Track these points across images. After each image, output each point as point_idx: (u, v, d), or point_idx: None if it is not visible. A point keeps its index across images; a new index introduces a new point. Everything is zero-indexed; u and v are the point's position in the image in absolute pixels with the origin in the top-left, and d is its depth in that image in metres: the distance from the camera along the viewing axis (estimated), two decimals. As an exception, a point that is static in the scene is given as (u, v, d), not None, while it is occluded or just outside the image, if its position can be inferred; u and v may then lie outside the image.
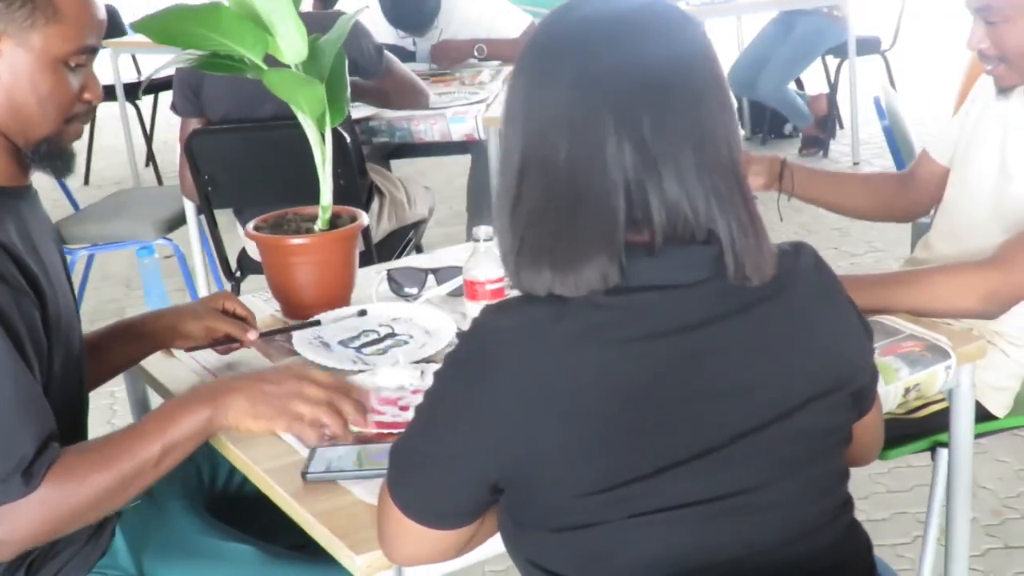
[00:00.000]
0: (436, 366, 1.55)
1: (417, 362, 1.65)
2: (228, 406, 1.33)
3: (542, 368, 1.01)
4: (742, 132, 5.16)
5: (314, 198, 2.93)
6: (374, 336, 1.70)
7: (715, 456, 1.02)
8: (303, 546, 1.59)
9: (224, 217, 3.03)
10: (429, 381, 1.49)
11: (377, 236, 3.08)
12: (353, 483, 1.35)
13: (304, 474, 1.36)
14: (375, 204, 3.07)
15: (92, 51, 1.33)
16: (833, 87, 5.36)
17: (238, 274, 3.04)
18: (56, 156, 1.34)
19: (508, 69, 3.57)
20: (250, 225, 1.89)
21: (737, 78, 5.33)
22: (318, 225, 1.86)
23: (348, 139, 2.92)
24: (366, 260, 2.96)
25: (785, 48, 5.17)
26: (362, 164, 2.93)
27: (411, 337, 1.69)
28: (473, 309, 1.74)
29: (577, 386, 1.01)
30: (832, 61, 5.41)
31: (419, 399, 1.46)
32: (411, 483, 1.12)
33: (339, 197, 2.90)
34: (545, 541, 1.09)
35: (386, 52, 3.03)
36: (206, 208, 2.95)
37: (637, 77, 0.99)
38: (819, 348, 1.06)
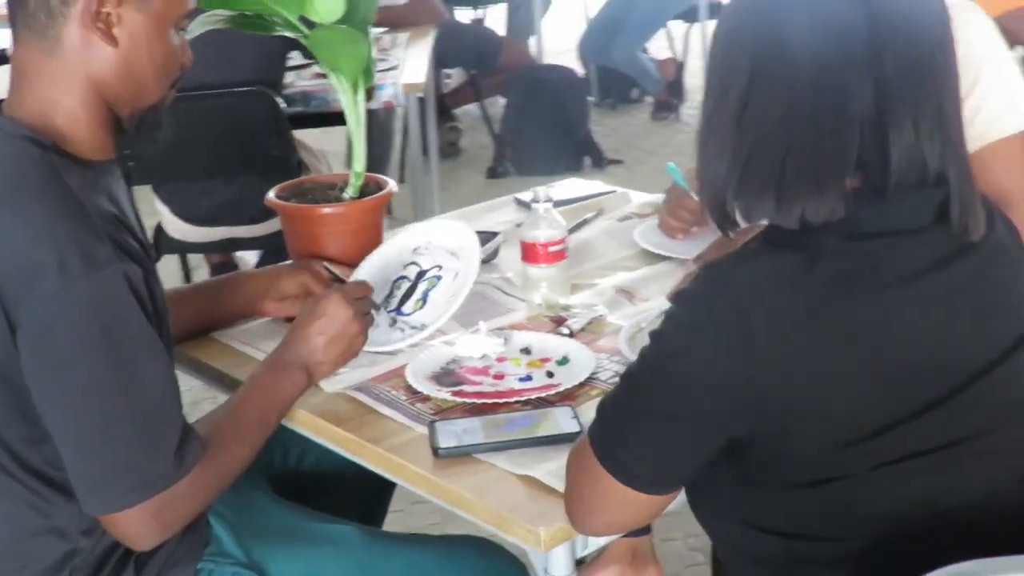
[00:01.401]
0: (522, 333, 1.60)
1: (498, 329, 1.63)
2: (318, 363, 1.38)
3: (800, 319, 1.01)
4: (591, 99, 5.24)
5: (241, 170, 2.83)
6: (406, 284, 1.66)
7: (954, 401, 1.04)
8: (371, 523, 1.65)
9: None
10: (514, 347, 1.54)
11: (305, 210, 2.97)
12: (491, 455, 1.32)
13: (437, 450, 1.33)
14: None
15: (192, 13, 1.34)
16: (683, 51, 5.53)
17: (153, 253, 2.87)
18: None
19: (403, 35, 3.54)
20: (271, 195, 1.79)
21: (591, 46, 5.42)
22: (349, 192, 1.77)
23: (283, 106, 2.81)
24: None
25: (635, 14, 5.29)
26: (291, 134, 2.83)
27: (440, 268, 1.67)
28: (535, 272, 1.72)
29: (832, 337, 1.01)
30: (678, 25, 5.58)
31: (508, 367, 1.52)
32: (638, 447, 1.09)
33: (272, 169, 2.83)
34: (775, 499, 1.09)
35: None
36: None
37: (884, 17, 0.99)
38: (1020, 292, 1.10)
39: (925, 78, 1.01)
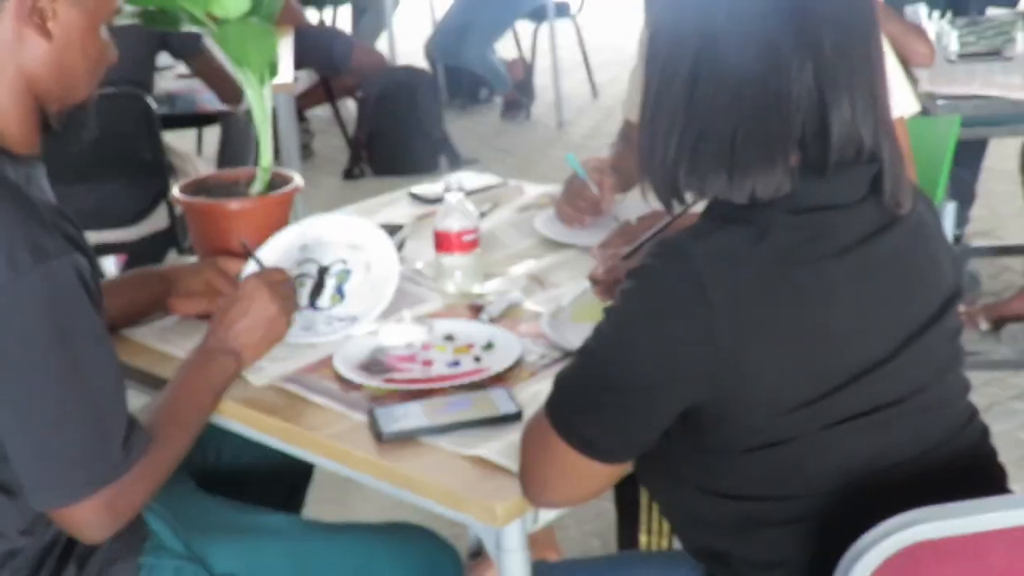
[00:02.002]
0: (443, 320, 1.63)
1: (420, 317, 1.65)
2: (243, 346, 1.40)
3: (751, 289, 1.06)
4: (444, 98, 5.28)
5: (110, 173, 2.75)
6: (310, 280, 1.67)
7: (891, 363, 1.10)
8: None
9: None
10: (437, 334, 1.57)
11: (178, 212, 2.91)
12: (435, 438, 1.34)
13: (380, 435, 1.34)
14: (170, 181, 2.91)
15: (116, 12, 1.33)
16: (531, 50, 5.62)
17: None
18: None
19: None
20: (175, 191, 1.77)
21: (440, 46, 5.45)
22: (256, 187, 1.76)
23: (154, 107, 2.75)
24: (171, 239, 2.82)
25: (485, 14, 5.35)
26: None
27: (344, 262, 1.69)
28: (449, 261, 1.74)
29: (783, 306, 1.06)
30: (526, 25, 5.68)
31: (435, 354, 1.55)
32: (597, 418, 1.13)
33: (142, 172, 2.77)
34: (729, 464, 1.14)
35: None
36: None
37: (820, 5, 1.06)
38: (942, 260, 1.17)
39: (859, 62, 1.07)
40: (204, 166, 3.20)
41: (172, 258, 3.08)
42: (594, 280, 1.54)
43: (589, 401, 1.13)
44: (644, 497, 1.87)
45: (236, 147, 3.54)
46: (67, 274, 1.15)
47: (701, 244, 1.09)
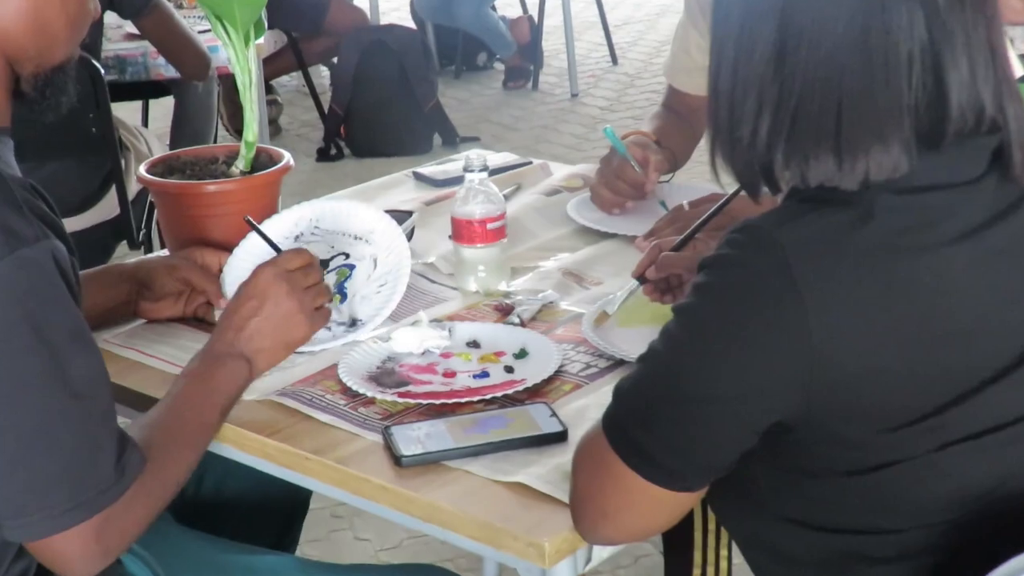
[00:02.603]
0: (465, 324, 1.64)
1: (438, 320, 1.66)
2: (257, 350, 1.40)
3: (852, 282, 1.05)
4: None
5: (53, 152, 2.74)
6: None
7: (1020, 369, 1.08)
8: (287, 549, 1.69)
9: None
10: (459, 341, 1.58)
11: (129, 196, 2.92)
12: (465, 462, 1.35)
13: (400, 458, 1.35)
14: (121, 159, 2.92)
15: None
16: (540, 9, 5.60)
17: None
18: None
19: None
20: (142, 170, 1.77)
21: (428, 2, 5.43)
22: (239, 166, 1.77)
23: (103, 73, 2.74)
24: (122, 230, 2.82)
25: (481, -37, 5.33)
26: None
27: (347, 256, 1.70)
28: (471, 254, 1.75)
29: (889, 301, 1.05)
30: (532, -20, 5.68)
31: (457, 363, 1.56)
32: (667, 436, 1.12)
33: (90, 150, 2.76)
34: (824, 491, 1.13)
35: None
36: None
37: None
38: None
39: (973, 10, 1.05)
40: (160, 144, 3.20)
41: (124, 253, 3.08)
42: (642, 279, 1.54)
43: (657, 417, 1.13)
44: (699, 532, 1.87)
45: (196, 122, 3.54)
46: (44, 263, 1.14)
47: (790, 230, 1.08)
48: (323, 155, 4.89)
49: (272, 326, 1.39)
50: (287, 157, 1.80)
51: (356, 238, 1.70)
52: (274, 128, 5.06)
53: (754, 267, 1.08)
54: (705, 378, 1.10)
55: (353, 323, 1.62)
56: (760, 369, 1.08)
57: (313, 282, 1.43)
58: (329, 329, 1.60)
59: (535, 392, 1.48)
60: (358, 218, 1.71)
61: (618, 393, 1.17)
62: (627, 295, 1.60)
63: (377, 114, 4.77)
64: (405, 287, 1.64)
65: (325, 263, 1.69)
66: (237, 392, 1.38)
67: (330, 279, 1.68)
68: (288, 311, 1.40)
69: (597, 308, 1.65)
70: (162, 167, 1.79)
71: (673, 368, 1.12)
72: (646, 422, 1.13)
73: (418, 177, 2.18)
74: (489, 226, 1.74)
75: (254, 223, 1.55)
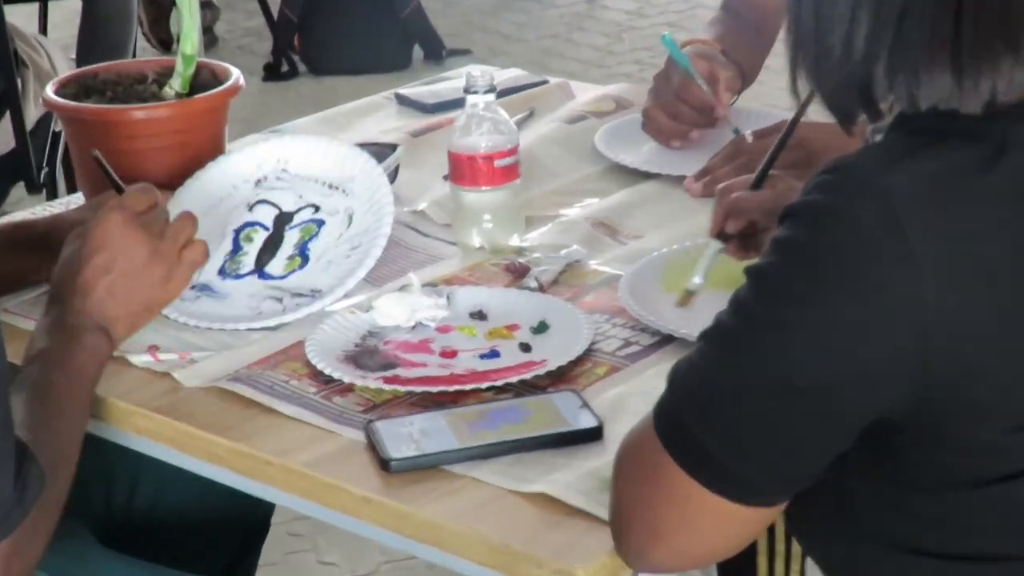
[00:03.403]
0: (467, 289, 1.64)
1: (432, 284, 1.65)
2: (113, 318, 1.46)
3: (980, 238, 1.05)
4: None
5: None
6: (262, 233, 1.70)
7: None
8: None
9: None
10: (460, 310, 1.59)
11: (28, 125, 2.92)
12: (471, 466, 1.35)
13: (387, 462, 1.34)
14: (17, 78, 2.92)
15: None
16: None
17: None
18: None
19: None
20: (48, 92, 1.76)
21: None
22: (176, 86, 1.76)
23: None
24: (19, 168, 2.82)
25: None
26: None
27: (316, 209, 1.70)
28: (474, 200, 1.74)
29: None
30: None
31: (458, 339, 1.56)
32: (737, 436, 1.12)
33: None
34: (940, 507, 1.13)
35: None
36: None
37: None
38: None
39: None
40: (65, 59, 3.19)
41: (21, 197, 3.07)
42: (724, 236, 1.54)
43: (725, 410, 1.13)
44: (763, 558, 1.86)
45: (111, 30, 3.53)
46: None
47: (899, 171, 1.08)
48: (272, 72, 4.89)
49: (127, 286, 1.45)
50: (235, 74, 1.79)
51: (331, 187, 1.70)
52: (209, 38, 5.04)
53: (852, 219, 1.07)
54: (789, 361, 1.09)
55: (312, 296, 1.62)
56: (859, 349, 1.08)
57: (161, 226, 1.50)
58: (280, 301, 1.61)
59: (560, 377, 1.48)
60: (336, 161, 1.71)
61: (675, 379, 1.16)
62: (711, 259, 1.58)
63: (340, 20, 4.74)
64: (379, 254, 1.64)
65: (289, 216, 1.69)
66: (100, 370, 1.44)
67: (292, 237, 1.68)
68: (144, 264, 1.46)
69: (638, 268, 1.64)
70: (74, 87, 1.79)
71: (746, 347, 1.11)
72: (711, 417, 1.13)
73: (402, 100, 2.18)
74: (497, 163, 1.72)
75: (100, 158, 1.59)
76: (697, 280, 1.56)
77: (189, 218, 1.51)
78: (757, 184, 1.56)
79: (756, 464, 1.13)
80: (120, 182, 1.56)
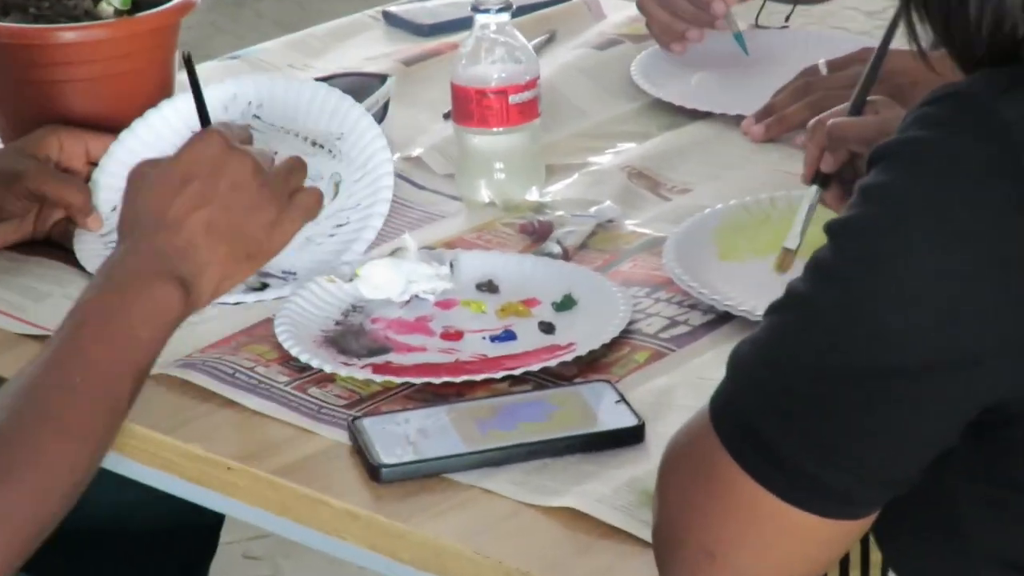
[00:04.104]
0: (474, 255, 1.65)
1: (430, 248, 1.65)
2: (204, 265, 1.38)
3: None
4: None
5: None
6: None
7: None
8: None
9: None
10: (465, 281, 1.59)
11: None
12: (481, 474, 1.35)
13: (377, 469, 1.35)
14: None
15: None
16: None
17: None
18: None
19: None
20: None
21: None
22: (115, 2, 1.76)
23: None
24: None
25: None
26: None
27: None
28: (484, 144, 1.74)
29: None
30: None
31: (464, 316, 1.57)
32: (817, 432, 1.12)
33: None
34: None
35: None
36: None
37: None
38: None
39: None
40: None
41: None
42: (822, 180, 1.54)
43: (803, 401, 1.12)
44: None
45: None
46: None
47: (1020, 104, 1.08)
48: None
49: (230, 223, 1.39)
50: (186, -9, 1.78)
51: (314, 144, 1.70)
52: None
53: (964, 157, 1.08)
54: (886, 336, 1.09)
55: (283, 276, 1.63)
56: (974, 319, 1.07)
57: (272, 159, 1.45)
58: (253, 278, 1.62)
59: (591, 365, 1.48)
60: (323, 112, 1.71)
61: (736, 364, 1.16)
62: (810, 211, 1.57)
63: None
64: (371, 237, 1.65)
65: None
66: (163, 337, 1.35)
67: None
68: (252, 199, 1.40)
69: (685, 229, 1.64)
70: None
71: (831, 322, 1.11)
72: (784, 409, 1.13)
73: (391, 20, 2.18)
74: (513, 99, 1.73)
75: (191, 61, 1.51)
76: (794, 239, 1.56)
77: (299, 161, 1.47)
78: (856, 112, 1.56)
79: (844, 467, 1.12)
80: (207, 112, 1.51)
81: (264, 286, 1.61)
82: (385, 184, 1.67)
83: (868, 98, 1.58)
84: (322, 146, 1.70)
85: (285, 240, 1.43)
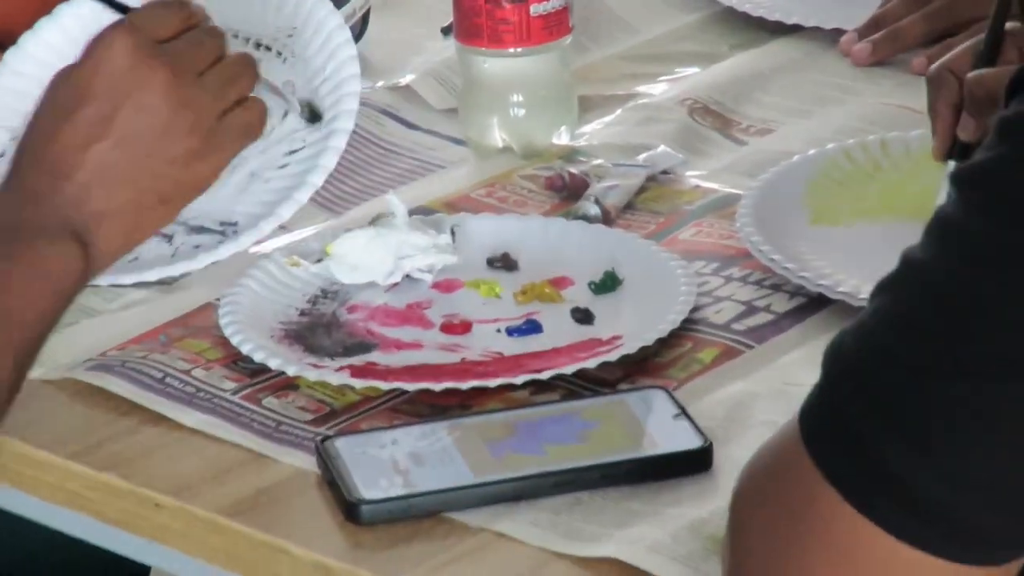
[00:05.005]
0: (483, 219, 1.67)
1: (426, 211, 1.67)
2: (102, 214, 1.42)
3: None
4: None
5: None
6: None
7: None
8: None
9: None
10: (473, 254, 1.62)
11: None
12: (493, 512, 1.36)
13: (355, 505, 1.36)
14: None
15: None
16: None
17: None
18: None
19: None
20: None
21: None
22: None
23: None
24: None
25: None
26: None
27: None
28: (497, 69, 1.76)
29: None
30: None
31: (472, 302, 1.59)
32: (945, 451, 1.12)
33: None
34: None
35: None
36: None
37: None
38: None
39: None
40: None
41: None
42: (961, 148, 1.55)
43: (932, 410, 1.13)
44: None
45: None
46: None
47: None
48: None
49: (131, 159, 1.43)
50: None
51: (257, 45, 1.70)
52: None
53: None
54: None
55: (228, 230, 1.63)
56: None
57: (213, 57, 1.47)
58: (168, 240, 1.63)
59: (641, 366, 1.50)
60: (266, 2, 1.72)
61: (836, 363, 1.17)
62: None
63: None
64: (332, 164, 1.64)
65: None
66: (52, 312, 1.40)
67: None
68: (165, 125, 1.43)
69: (766, 182, 1.65)
70: None
71: (964, 301, 1.13)
72: (900, 421, 1.14)
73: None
74: (535, 8, 1.74)
75: None
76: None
77: (244, 60, 1.49)
78: (989, 57, 1.57)
79: (990, 498, 1.14)
80: None
81: (224, 227, 1.63)
82: (349, 90, 1.66)
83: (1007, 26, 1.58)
84: (268, 48, 1.71)
85: (212, 176, 1.47)
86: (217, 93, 1.45)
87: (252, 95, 1.49)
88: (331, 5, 1.70)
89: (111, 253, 1.42)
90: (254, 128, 1.47)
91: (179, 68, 1.42)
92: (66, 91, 1.42)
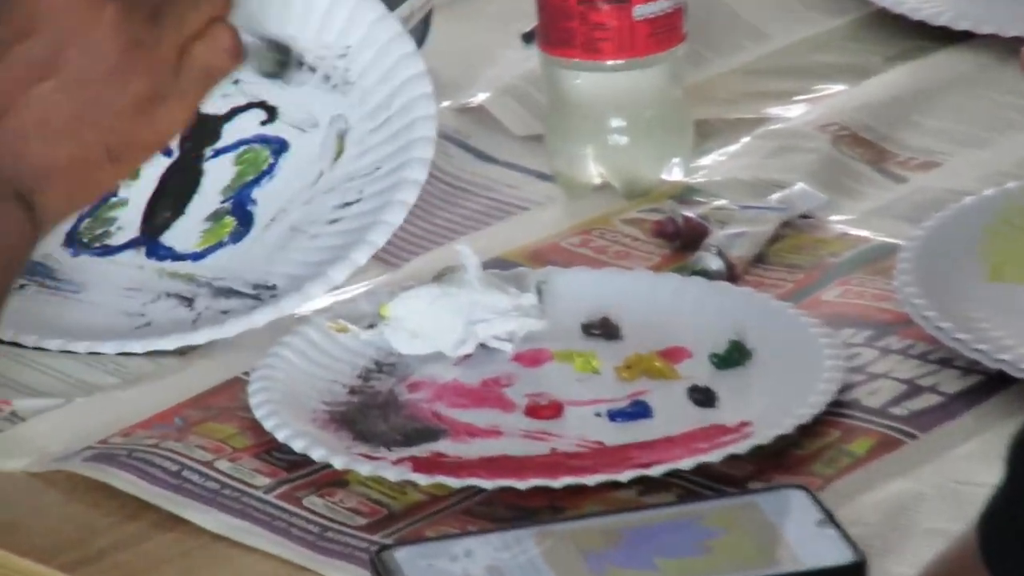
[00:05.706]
0: (574, 273, 1.69)
1: (505, 263, 1.69)
2: (47, 172, 1.47)
3: None
4: None
5: None
6: (163, 161, 1.80)
7: None
8: None
9: None
10: (564, 315, 1.63)
11: None
12: None
13: None
14: None
15: None
16: None
17: None
18: None
19: None
20: None
21: None
22: None
23: None
24: None
25: None
26: None
27: (270, 114, 1.76)
28: (593, 85, 1.77)
29: None
30: None
31: (563, 378, 1.61)
32: None
33: None
34: None
35: None
36: None
37: None
38: None
39: None
40: None
41: None
42: None
43: None
44: None
45: None
46: None
47: None
48: None
49: (76, 105, 1.47)
50: None
51: (300, 64, 1.72)
52: None
53: None
54: None
55: (255, 293, 1.65)
56: None
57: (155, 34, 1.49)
58: (190, 303, 1.67)
59: (777, 460, 1.50)
60: (310, 5, 1.74)
61: (1022, 459, 1.16)
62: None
63: None
64: (398, 222, 1.66)
65: (213, 126, 1.75)
66: (8, 278, 1.45)
67: (218, 173, 1.75)
68: (115, 64, 1.47)
69: (933, 228, 1.65)
70: None
71: None
72: None
73: None
74: (640, 10, 1.75)
75: None
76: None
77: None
78: None
79: None
80: None
81: (258, 290, 1.65)
82: (423, 135, 1.69)
83: None
84: (314, 69, 1.73)
85: (172, 126, 1.52)
86: (175, 23, 1.48)
87: (221, 22, 1.51)
88: (395, 22, 1.71)
89: (56, 213, 1.47)
90: (222, 65, 1.50)
91: (130, 1, 1.45)
92: (2, 25, 1.46)
